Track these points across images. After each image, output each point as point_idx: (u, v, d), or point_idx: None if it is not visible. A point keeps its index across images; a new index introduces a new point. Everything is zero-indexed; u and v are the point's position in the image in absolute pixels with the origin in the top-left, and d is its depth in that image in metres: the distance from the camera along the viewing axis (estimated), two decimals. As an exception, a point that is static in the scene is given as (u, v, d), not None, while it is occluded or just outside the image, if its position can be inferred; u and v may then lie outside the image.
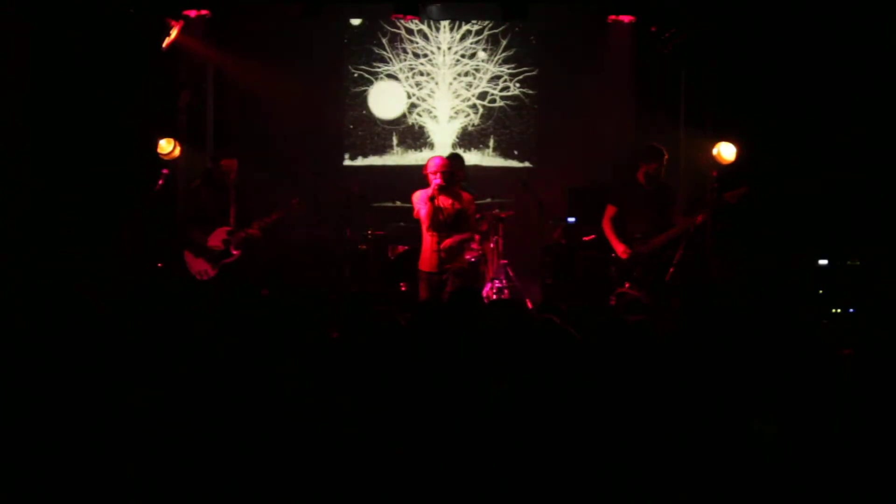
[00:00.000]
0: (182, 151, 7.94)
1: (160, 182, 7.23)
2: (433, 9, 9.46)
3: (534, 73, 9.64)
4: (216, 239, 6.99)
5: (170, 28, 8.08)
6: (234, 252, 7.01)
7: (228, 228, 7.01)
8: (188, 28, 8.54)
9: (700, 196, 6.76)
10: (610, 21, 9.23)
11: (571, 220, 8.69)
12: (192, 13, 8.75)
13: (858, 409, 2.97)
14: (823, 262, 7.53)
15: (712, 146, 7.80)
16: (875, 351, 3.39)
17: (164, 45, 8.02)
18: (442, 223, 6.99)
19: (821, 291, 7.35)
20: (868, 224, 7.53)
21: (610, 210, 7.01)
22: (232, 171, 7.11)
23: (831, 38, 7.68)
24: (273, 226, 7.28)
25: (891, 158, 7.47)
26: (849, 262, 7.45)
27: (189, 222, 7.06)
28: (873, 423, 2.85)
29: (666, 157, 6.88)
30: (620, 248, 6.83)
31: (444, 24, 9.68)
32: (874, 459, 2.70)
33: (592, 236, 8.47)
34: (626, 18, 9.18)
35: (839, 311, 7.09)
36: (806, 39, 7.83)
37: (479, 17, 9.58)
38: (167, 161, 7.72)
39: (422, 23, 9.56)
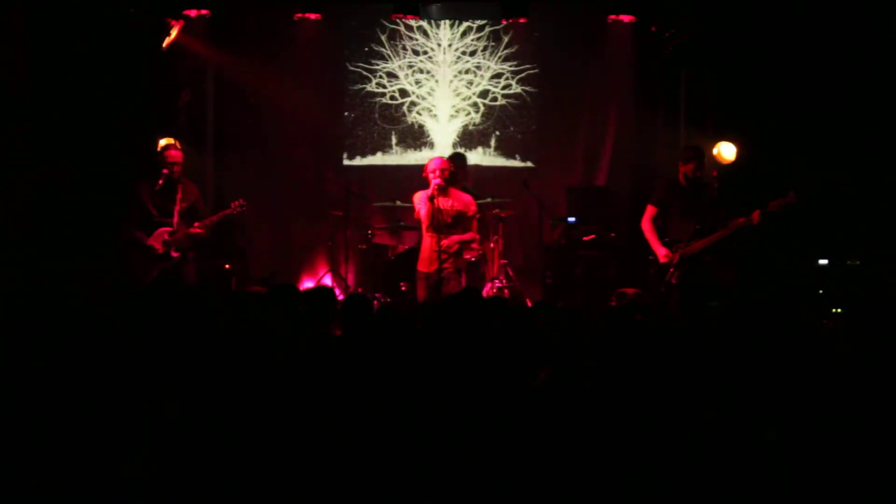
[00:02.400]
0: (182, 151, 7.92)
1: (160, 182, 7.22)
2: (433, 8, 9.43)
3: (535, 71, 9.57)
4: (157, 240, 6.96)
5: (170, 28, 8.08)
6: (174, 255, 6.97)
7: (170, 229, 6.97)
8: (188, 28, 8.55)
9: (739, 199, 6.63)
10: (610, 21, 9.23)
11: (571, 220, 8.69)
12: (192, 13, 8.75)
13: (859, 408, 2.97)
14: (823, 262, 7.53)
15: (712, 146, 7.80)
16: (875, 349, 3.39)
17: (164, 45, 8.02)
18: (442, 223, 6.99)
19: (821, 291, 7.35)
20: (868, 224, 7.53)
21: (650, 211, 6.90)
22: (176, 164, 7.04)
23: (832, 38, 7.68)
24: (216, 226, 7.20)
25: (891, 158, 7.47)
26: (849, 262, 7.45)
27: (131, 221, 6.99)
28: (874, 423, 2.85)
29: (704, 156, 6.76)
30: (662, 252, 6.72)
31: (445, 20, 9.63)
32: (875, 459, 2.71)
33: (592, 236, 8.48)
34: (626, 18, 9.19)
35: (839, 311, 7.09)
36: (806, 39, 7.83)
37: (479, 17, 9.53)
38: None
39: (422, 20, 9.52)
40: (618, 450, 2.81)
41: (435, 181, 6.96)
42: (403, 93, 9.65)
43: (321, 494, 2.72)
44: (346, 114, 9.63)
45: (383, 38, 9.58)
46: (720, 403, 3.05)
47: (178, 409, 2.99)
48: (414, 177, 7.91)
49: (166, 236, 6.98)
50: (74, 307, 4.49)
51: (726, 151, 7.63)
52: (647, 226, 6.89)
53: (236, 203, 7.27)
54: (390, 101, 9.63)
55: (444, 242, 6.93)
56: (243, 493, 2.73)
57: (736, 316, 3.97)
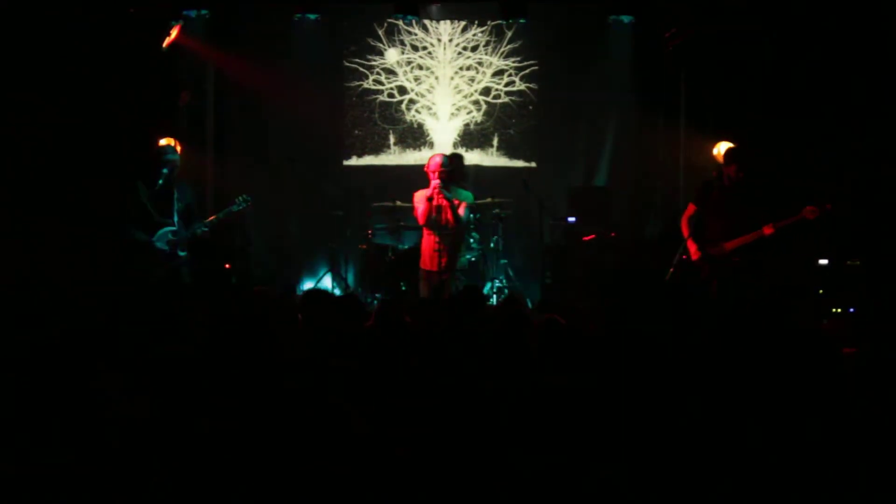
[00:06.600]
0: (182, 151, 7.92)
1: (159, 182, 7.22)
2: (433, 9, 9.41)
3: (537, 68, 9.47)
4: (161, 240, 6.96)
5: (170, 28, 8.09)
6: (181, 254, 6.97)
7: (174, 229, 6.97)
8: (188, 28, 8.55)
9: (776, 204, 6.61)
10: (610, 21, 9.24)
11: (571, 220, 8.69)
12: (192, 13, 8.76)
13: (859, 409, 2.98)
14: (823, 262, 7.54)
15: (712, 146, 7.81)
16: (876, 351, 3.39)
17: (164, 45, 8.03)
18: (442, 222, 7.04)
19: (821, 291, 7.35)
20: (868, 224, 7.53)
21: (690, 208, 6.90)
22: (174, 165, 7.04)
23: (831, 38, 7.69)
24: (218, 223, 7.20)
25: (891, 158, 7.47)
26: (849, 262, 7.45)
27: (131, 222, 6.99)
28: (874, 423, 2.86)
29: (745, 158, 6.70)
30: (693, 249, 6.71)
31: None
32: (875, 460, 2.71)
33: (593, 236, 8.49)
34: (626, 18, 9.19)
35: (839, 310, 7.09)
36: (806, 39, 7.84)
37: (479, 17, 9.50)
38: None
39: (422, 20, 9.46)
40: (616, 450, 2.81)
41: (434, 181, 6.99)
42: (402, 90, 9.58)
43: (321, 494, 2.72)
44: (346, 114, 9.56)
45: (381, 32, 9.50)
46: (718, 403, 3.05)
47: (175, 409, 2.99)
48: (413, 177, 7.90)
49: (171, 236, 6.99)
50: (76, 307, 4.49)
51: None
52: (684, 222, 6.87)
53: (240, 198, 7.26)
54: (388, 99, 9.55)
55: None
56: (241, 493, 2.73)
57: (730, 315, 3.98)
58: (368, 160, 9.56)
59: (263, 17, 9.26)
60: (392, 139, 9.56)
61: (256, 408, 3.00)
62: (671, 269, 6.61)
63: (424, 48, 9.54)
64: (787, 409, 2.97)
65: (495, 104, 9.54)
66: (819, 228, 6.73)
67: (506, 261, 8.58)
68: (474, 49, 9.52)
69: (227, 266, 8.33)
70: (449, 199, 7.01)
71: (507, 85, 9.52)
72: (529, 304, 8.12)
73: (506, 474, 2.75)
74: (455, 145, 9.49)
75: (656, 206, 9.21)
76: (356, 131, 9.57)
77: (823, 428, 2.85)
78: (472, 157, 9.37)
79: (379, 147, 9.57)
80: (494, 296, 8.20)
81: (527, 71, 9.49)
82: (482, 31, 9.51)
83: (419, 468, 2.78)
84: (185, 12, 8.62)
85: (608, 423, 2.91)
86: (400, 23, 9.45)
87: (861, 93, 7.61)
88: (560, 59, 9.36)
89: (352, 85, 9.52)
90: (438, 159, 7.08)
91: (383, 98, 9.54)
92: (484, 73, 9.54)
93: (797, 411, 2.95)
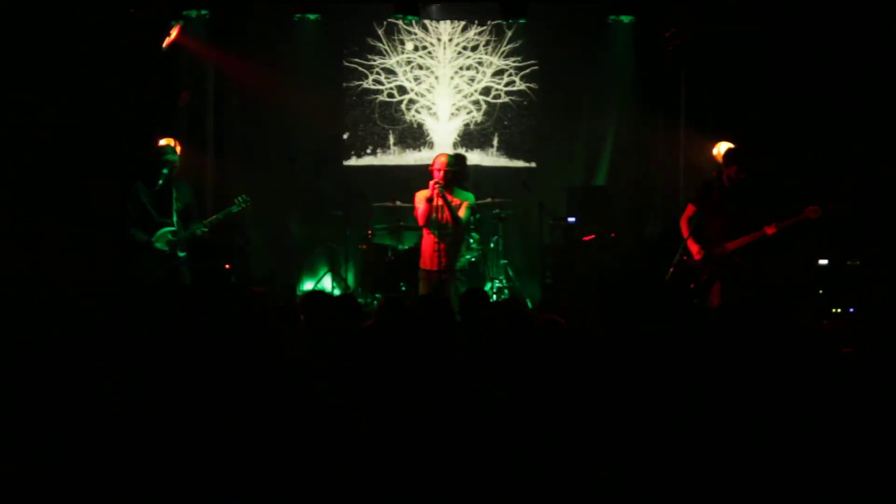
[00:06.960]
0: (182, 151, 7.93)
1: (159, 182, 7.22)
2: (433, 9, 9.41)
3: (538, 67, 9.46)
4: (160, 240, 6.95)
5: (170, 28, 8.09)
6: (180, 254, 6.97)
7: (173, 230, 6.97)
8: (188, 28, 8.55)
9: (778, 204, 6.61)
10: (610, 21, 9.24)
11: (571, 220, 8.69)
12: (193, 13, 8.76)
13: (859, 409, 2.98)
14: (823, 262, 7.54)
15: (712, 146, 7.81)
16: (876, 351, 3.40)
17: (164, 45, 8.03)
18: (442, 222, 7.06)
19: (821, 291, 7.36)
20: (868, 224, 7.54)
21: (689, 209, 6.89)
22: (174, 165, 7.03)
23: (831, 38, 7.70)
24: (217, 223, 7.19)
25: (891, 158, 7.48)
26: (849, 262, 7.46)
27: (131, 222, 6.98)
28: (874, 423, 2.86)
29: (746, 158, 6.68)
30: (695, 249, 6.68)
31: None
32: (875, 460, 2.71)
33: (593, 236, 8.49)
34: (626, 18, 9.20)
35: (839, 310, 7.09)
36: (806, 39, 7.84)
37: (479, 17, 9.50)
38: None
39: (422, 20, 9.46)
40: (616, 451, 2.81)
41: (434, 181, 7.01)
42: (402, 90, 9.57)
43: (320, 494, 2.72)
44: (346, 114, 9.56)
45: (380, 32, 9.48)
46: (710, 403, 3.05)
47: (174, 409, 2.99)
48: (413, 177, 7.89)
49: (170, 236, 6.98)
50: (76, 307, 4.50)
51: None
52: (683, 223, 6.86)
53: (239, 199, 7.26)
54: (388, 99, 9.53)
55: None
56: (239, 493, 2.73)
57: (732, 318, 3.97)
58: (368, 160, 9.56)
59: (263, 17, 9.27)
60: (392, 139, 9.55)
61: (256, 408, 3.00)
62: (671, 270, 6.61)
63: (424, 48, 9.53)
64: (787, 408, 2.97)
65: (495, 104, 9.54)
66: (819, 228, 6.74)
67: (506, 261, 8.57)
68: (474, 49, 9.51)
69: (226, 266, 8.33)
70: (447, 202, 7.02)
71: (507, 85, 9.51)
72: (529, 305, 8.14)
73: (506, 474, 2.75)
74: (455, 145, 9.48)
75: (656, 206, 9.21)
76: (356, 131, 9.56)
77: (823, 428, 2.85)
78: (472, 157, 9.37)
79: (379, 147, 9.56)
80: (494, 296, 8.20)
81: (527, 71, 9.49)
82: (482, 31, 9.50)
83: (419, 468, 2.78)
84: (185, 12, 8.63)
85: (608, 423, 2.91)
86: (400, 23, 9.44)
87: (861, 93, 7.61)
88: (560, 59, 9.36)
89: (352, 85, 9.52)
90: (444, 158, 7.09)
91: (383, 98, 9.53)
92: (484, 72, 9.54)
93: (797, 411, 2.95)
